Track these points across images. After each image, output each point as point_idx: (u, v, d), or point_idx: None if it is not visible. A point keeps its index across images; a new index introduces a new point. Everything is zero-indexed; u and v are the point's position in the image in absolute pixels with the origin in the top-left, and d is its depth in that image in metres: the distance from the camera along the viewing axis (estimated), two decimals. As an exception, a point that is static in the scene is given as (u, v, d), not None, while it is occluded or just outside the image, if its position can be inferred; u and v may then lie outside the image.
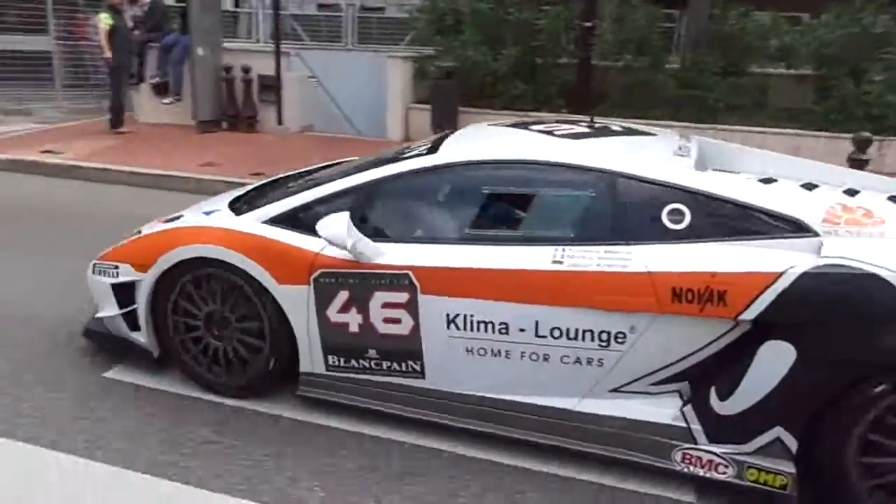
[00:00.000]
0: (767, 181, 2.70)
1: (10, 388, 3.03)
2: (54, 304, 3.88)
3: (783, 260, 2.27)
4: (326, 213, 2.74)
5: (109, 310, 3.17)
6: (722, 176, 2.84)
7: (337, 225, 2.63)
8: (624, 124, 3.73)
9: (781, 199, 2.51)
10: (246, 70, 9.28)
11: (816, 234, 2.36)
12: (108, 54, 8.57)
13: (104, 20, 8.49)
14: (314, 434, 2.79)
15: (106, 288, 3.15)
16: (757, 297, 2.24)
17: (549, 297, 2.50)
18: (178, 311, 3.04)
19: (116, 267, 3.12)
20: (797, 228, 2.40)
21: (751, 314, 2.26)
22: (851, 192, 2.71)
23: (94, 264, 3.23)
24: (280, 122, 9.43)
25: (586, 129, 3.13)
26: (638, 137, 3.28)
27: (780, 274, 2.23)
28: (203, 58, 9.17)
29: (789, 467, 2.31)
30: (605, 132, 3.16)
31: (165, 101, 9.70)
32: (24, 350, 3.38)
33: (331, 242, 2.68)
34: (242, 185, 4.28)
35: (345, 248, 2.62)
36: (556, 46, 8.96)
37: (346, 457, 2.64)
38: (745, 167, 3.17)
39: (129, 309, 3.11)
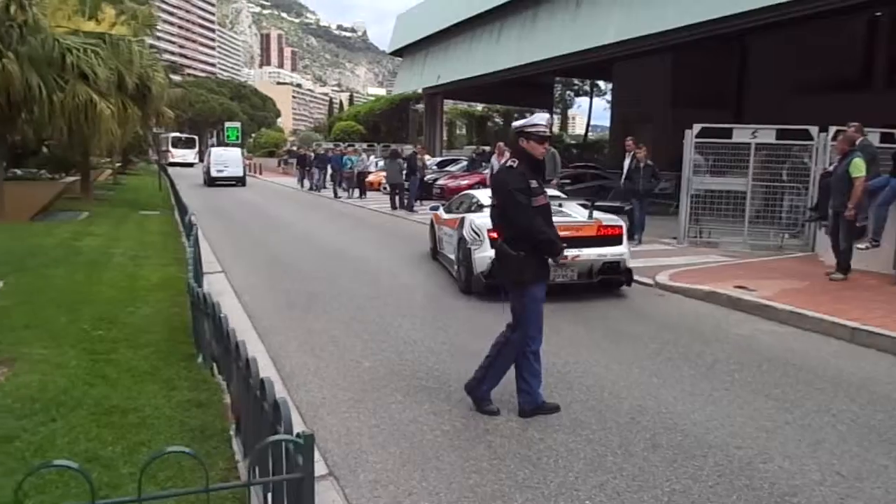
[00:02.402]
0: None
1: None
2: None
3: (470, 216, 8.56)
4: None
5: None
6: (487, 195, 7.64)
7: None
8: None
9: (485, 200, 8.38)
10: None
11: (478, 209, 8.81)
12: (851, 212, 8.51)
13: (857, 166, 8.43)
14: None
15: None
16: (459, 223, 8.69)
17: (449, 225, 9.32)
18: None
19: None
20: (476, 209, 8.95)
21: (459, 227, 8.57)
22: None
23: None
24: None
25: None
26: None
27: (463, 217, 8.68)
28: (917, 203, 8.29)
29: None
30: None
31: (860, 245, 9.10)
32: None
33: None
34: None
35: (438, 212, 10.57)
36: None
37: None
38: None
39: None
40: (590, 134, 53.21)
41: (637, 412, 4.53)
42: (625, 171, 12.65)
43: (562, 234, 7.15)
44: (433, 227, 10.82)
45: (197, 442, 3.59)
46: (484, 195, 9.19)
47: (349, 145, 34.39)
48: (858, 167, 8.72)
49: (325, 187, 26.74)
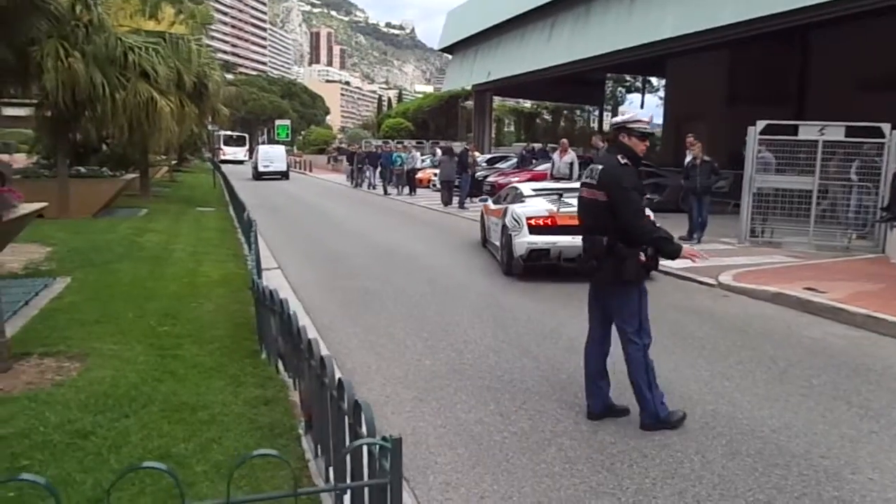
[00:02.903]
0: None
1: None
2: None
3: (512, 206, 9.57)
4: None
5: None
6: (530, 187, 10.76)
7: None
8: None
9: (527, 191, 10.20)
10: None
11: (520, 200, 9.94)
12: None
13: None
14: None
15: None
16: (503, 213, 9.84)
17: (496, 214, 10.16)
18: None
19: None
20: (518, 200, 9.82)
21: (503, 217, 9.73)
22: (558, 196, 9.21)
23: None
24: None
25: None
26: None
27: (507, 207, 9.72)
28: None
29: None
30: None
31: (939, 246, 8.68)
32: None
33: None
34: None
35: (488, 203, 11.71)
36: None
37: None
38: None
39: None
40: (641, 131, 52.07)
41: (711, 417, 4.36)
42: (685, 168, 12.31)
43: None
44: (483, 218, 11.61)
45: (267, 440, 3.58)
46: (527, 188, 10.55)
47: (398, 142, 34.52)
48: None
49: (374, 185, 26.87)
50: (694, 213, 11.87)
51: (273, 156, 34.26)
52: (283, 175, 33.65)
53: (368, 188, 27.12)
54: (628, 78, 49.18)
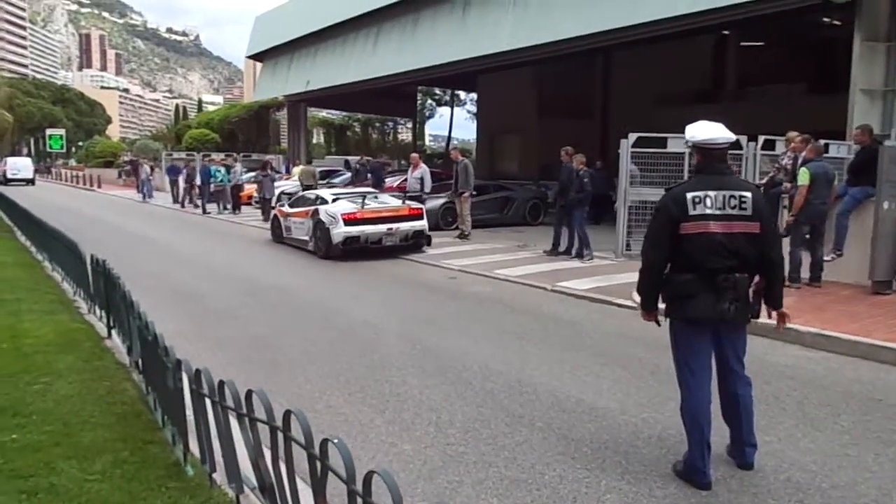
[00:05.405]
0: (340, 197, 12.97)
1: None
2: None
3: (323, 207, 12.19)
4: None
5: None
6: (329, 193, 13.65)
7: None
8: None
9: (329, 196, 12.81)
10: (940, 227, 8.00)
11: (325, 203, 12.24)
12: (790, 218, 8.40)
13: (803, 175, 8.25)
14: None
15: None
16: (310, 213, 12.39)
17: (300, 216, 13.03)
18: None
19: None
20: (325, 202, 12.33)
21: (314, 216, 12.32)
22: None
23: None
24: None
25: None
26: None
27: (314, 210, 12.28)
28: (889, 212, 8.20)
29: None
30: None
31: (826, 257, 8.96)
32: None
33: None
34: None
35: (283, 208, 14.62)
36: None
37: None
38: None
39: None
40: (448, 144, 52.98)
41: (794, 490, 3.59)
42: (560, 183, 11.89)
43: (387, 214, 11.94)
44: (277, 219, 14.16)
45: None
46: (327, 193, 13.09)
47: (205, 155, 31.47)
48: (803, 176, 8.58)
49: (181, 202, 24.19)
50: (575, 227, 11.49)
51: (20, 166, 42.73)
52: (29, 181, 41.00)
53: (183, 206, 24.21)
54: (437, 91, 49.67)
